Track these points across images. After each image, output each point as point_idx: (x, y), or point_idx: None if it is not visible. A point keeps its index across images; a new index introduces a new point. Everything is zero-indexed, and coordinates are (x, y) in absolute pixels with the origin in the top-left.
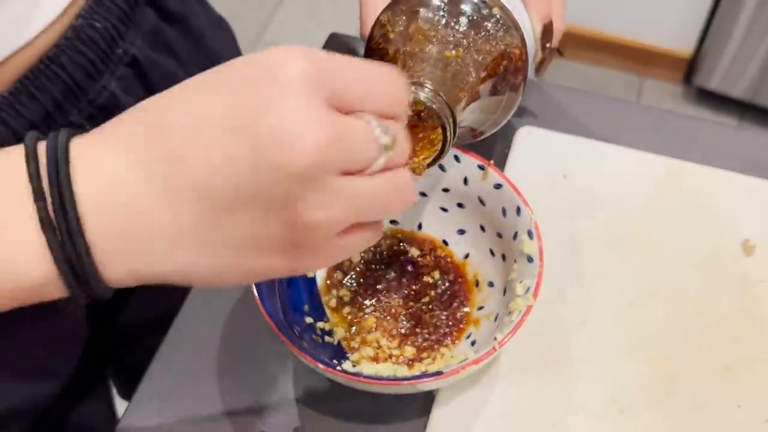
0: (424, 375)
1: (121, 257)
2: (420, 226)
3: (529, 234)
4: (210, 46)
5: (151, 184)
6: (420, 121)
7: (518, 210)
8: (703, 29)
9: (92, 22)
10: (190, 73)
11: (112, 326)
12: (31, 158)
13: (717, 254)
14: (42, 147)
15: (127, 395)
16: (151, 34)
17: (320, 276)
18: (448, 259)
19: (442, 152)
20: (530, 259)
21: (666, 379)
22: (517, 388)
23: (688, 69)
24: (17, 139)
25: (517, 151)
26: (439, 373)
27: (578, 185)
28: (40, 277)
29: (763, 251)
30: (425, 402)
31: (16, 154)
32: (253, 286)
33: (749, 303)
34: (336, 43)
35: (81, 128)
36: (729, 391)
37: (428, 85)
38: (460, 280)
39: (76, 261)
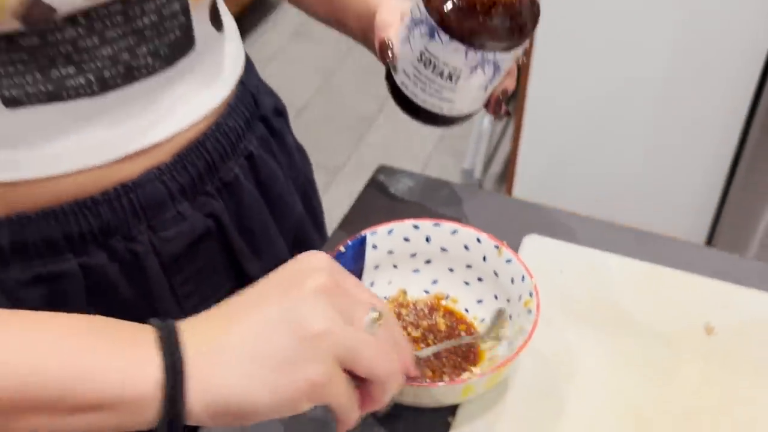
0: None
1: (203, 373)
2: (447, 297)
3: (530, 294)
4: (296, 162)
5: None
6: None
7: (523, 277)
8: (712, 224)
9: (227, 121)
10: (285, 176)
11: None
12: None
13: (684, 333)
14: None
15: None
16: (261, 139)
17: None
18: (467, 320)
19: None
20: (530, 311)
21: (639, 422)
22: (518, 428)
23: None
24: (171, 198)
25: (523, 253)
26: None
27: (572, 278)
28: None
29: (721, 333)
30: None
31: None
32: None
33: (710, 369)
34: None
35: (212, 197)
36: None
37: None
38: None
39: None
